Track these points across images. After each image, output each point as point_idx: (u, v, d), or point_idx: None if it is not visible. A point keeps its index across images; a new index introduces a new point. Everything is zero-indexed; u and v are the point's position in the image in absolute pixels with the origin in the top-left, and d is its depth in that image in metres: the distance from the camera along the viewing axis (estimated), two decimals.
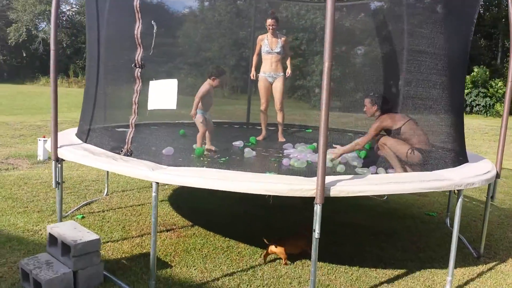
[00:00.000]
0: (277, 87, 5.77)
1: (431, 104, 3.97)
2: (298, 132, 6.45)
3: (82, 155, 3.71)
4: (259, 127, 6.05)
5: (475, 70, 20.58)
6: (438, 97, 3.94)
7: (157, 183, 3.18)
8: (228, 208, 5.27)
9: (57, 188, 3.97)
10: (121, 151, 3.69)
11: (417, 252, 4.24)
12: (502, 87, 20.10)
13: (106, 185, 5.64)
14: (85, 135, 4.26)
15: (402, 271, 3.81)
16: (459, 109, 4.29)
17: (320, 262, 3.79)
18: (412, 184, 3.28)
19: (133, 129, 3.63)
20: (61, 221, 4.04)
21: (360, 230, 4.80)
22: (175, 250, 3.99)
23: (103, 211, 4.95)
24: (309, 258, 3.00)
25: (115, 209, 5.06)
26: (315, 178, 2.93)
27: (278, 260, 3.86)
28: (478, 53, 24.18)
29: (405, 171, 3.88)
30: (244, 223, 4.80)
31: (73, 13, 37.28)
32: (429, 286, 3.57)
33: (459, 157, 4.06)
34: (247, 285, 3.40)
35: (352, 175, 3.41)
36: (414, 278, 3.69)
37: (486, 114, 20.45)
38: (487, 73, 20.73)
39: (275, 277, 3.56)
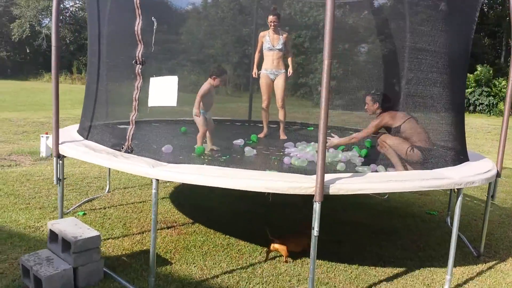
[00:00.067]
0: (279, 84, 5.77)
1: (432, 102, 3.96)
2: (300, 130, 6.45)
3: (83, 151, 3.73)
4: (261, 125, 6.06)
5: (479, 68, 20.47)
6: (439, 96, 3.94)
7: (157, 180, 3.19)
8: (229, 205, 5.28)
9: (58, 185, 3.99)
10: (122, 148, 3.70)
11: (417, 251, 4.24)
12: (505, 86, 19.93)
13: (108, 182, 5.67)
14: (86, 132, 4.27)
15: (402, 269, 3.81)
16: (460, 107, 4.28)
17: (320, 260, 3.80)
18: (411, 182, 3.27)
19: (134, 126, 3.64)
20: (62, 217, 4.06)
21: (360, 228, 4.80)
22: (176, 247, 4.00)
23: (105, 208, 4.97)
24: (309, 256, 3.01)
25: (116, 206, 5.08)
26: (314, 176, 2.93)
27: (277, 258, 3.87)
28: (481, 51, 24.09)
29: (406, 169, 3.88)
30: (245, 221, 4.81)
31: (77, 9, 37.34)
32: (428, 284, 3.57)
33: (460, 155, 4.05)
34: (247, 283, 3.41)
35: (352, 173, 3.40)
36: (414, 276, 3.70)
37: (490, 113, 20.37)
38: (491, 72, 20.62)
39: (275, 274, 3.57)
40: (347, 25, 7.48)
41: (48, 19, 35.62)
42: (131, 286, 3.26)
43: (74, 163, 6.79)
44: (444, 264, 3.83)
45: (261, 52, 5.83)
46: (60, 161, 3.92)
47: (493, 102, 20.44)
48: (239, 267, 3.68)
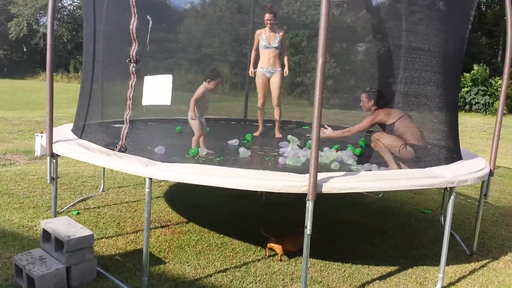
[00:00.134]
0: (275, 82, 5.77)
1: (426, 101, 3.97)
2: (295, 129, 6.45)
3: (76, 150, 3.72)
4: (257, 124, 6.06)
5: (475, 68, 20.52)
6: (432, 94, 3.95)
7: (151, 179, 3.19)
8: (224, 205, 5.28)
9: (52, 184, 3.98)
10: (116, 147, 3.69)
11: (410, 249, 4.26)
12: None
13: (102, 181, 5.66)
14: (80, 131, 4.27)
15: (395, 268, 3.82)
16: (454, 106, 4.30)
17: (313, 259, 3.81)
18: (404, 181, 3.28)
19: (128, 125, 3.64)
20: (55, 216, 4.05)
21: (354, 227, 4.81)
22: (169, 246, 4.00)
23: (99, 207, 4.96)
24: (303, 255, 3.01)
25: (110, 205, 5.08)
26: (307, 175, 2.94)
27: (271, 257, 3.88)
28: (478, 50, 24.14)
29: (399, 167, 3.89)
30: (239, 220, 4.81)
31: (74, 8, 37.23)
32: (421, 283, 3.59)
33: (453, 154, 4.06)
34: (240, 281, 3.42)
35: (345, 172, 3.41)
36: (406, 275, 3.71)
37: (485, 113, 20.42)
38: (487, 71, 20.67)
39: (268, 273, 3.58)
40: (345, 24, 7.50)
41: (46, 17, 35.50)
42: (124, 285, 3.26)
43: (69, 162, 6.78)
44: (437, 263, 3.84)
45: (257, 50, 5.83)
46: (54, 160, 3.91)
47: (489, 101, 20.49)
48: (232, 266, 3.69)
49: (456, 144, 4.19)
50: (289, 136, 5.19)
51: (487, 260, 4.10)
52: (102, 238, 4.10)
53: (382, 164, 4.00)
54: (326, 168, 3.89)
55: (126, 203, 5.19)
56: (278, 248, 3.81)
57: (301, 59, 15.09)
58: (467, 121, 16.23)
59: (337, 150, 4.61)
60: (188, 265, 3.65)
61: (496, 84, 20.37)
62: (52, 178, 3.94)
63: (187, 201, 5.38)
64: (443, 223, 5.05)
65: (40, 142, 7.25)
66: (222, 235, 4.30)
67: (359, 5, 6.52)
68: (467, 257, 4.16)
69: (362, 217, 5.18)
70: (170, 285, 3.30)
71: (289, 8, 14.24)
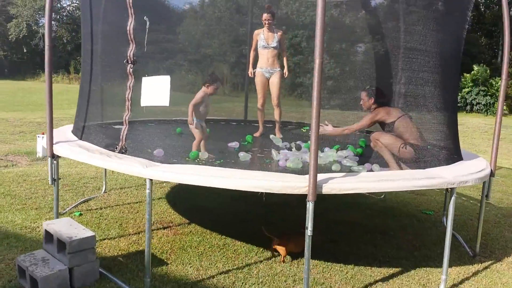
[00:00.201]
0: (274, 82, 5.77)
1: (424, 101, 3.97)
2: (295, 130, 6.45)
3: (77, 152, 3.73)
4: (257, 124, 6.05)
5: (475, 68, 20.50)
6: (430, 95, 3.95)
7: (151, 180, 3.19)
8: (226, 206, 5.28)
9: (53, 185, 3.98)
10: (116, 148, 3.69)
11: (413, 250, 4.25)
12: None
13: (104, 182, 5.66)
14: (80, 132, 4.27)
15: (397, 269, 3.82)
16: (453, 107, 4.30)
17: (316, 260, 3.80)
18: (404, 181, 3.28)
19: (127, 126, 3.63)
20: (57, 218, 4.06)
21: (356, 228, 4.81)
22: (172, 247, 4.00)
23: (101, 209, 4.96)
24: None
25: (112, 206, 5.08)
26: (307, 176, 2.93)
27: (273, 258, 3.87)
28: (478, 51, 24.11)
29: (399, 167, 3.88)
30: (241, 221, 4.81)
31: (74, 8, 37.18)
32: (423, 284, 3.58)
33: (453, 155, 4.06)
34: (242, 283, 3.42)
35: (345, 173, 3.41)
36: (409, 276, 3.70)
37: (487, 113, 20.38)
38: (488, 71, 20.63)
39: (270, 275, 3.57)
40: (344, 25, 7.50)
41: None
42: (127, 286, 3.26)
43: (71, 163, 6.79)
44: (440, 264, 3.83)
45: (256, 50, 5.83)
46: (55, 161, 3.92)
47: (490, 102, 20.45)
48: (235, 267, 3.68)
49: (456, 144, 4.18)
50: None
51: (490, 262, 4.10)
52: (105, 239, 4.10)
53: (384, 164, 4.00)
54: (327, 169, 3.89)
55: (128, 204, 5.19)
56: (281, 249, 3.81)
57: (300, 60, 15.09)
58: (468, 122, 16.22)
59: (337, 150, 4.61)
60: (190, 267, 3.65)
61: (496, 85, 20.33)
62: (53, 179, 3.95)
63: (189, 202, 5.38)
64: (445, 224, 5.04)
65: (41, 143, 7.24)
66: (224, 236, 4.30)
67: (358, 6, 6.52)
68: (470, 258, 4.15)
69: (364, 218, 5.17)
70: (172, 286, 3.30)
71: (288, 9, 14.24)
